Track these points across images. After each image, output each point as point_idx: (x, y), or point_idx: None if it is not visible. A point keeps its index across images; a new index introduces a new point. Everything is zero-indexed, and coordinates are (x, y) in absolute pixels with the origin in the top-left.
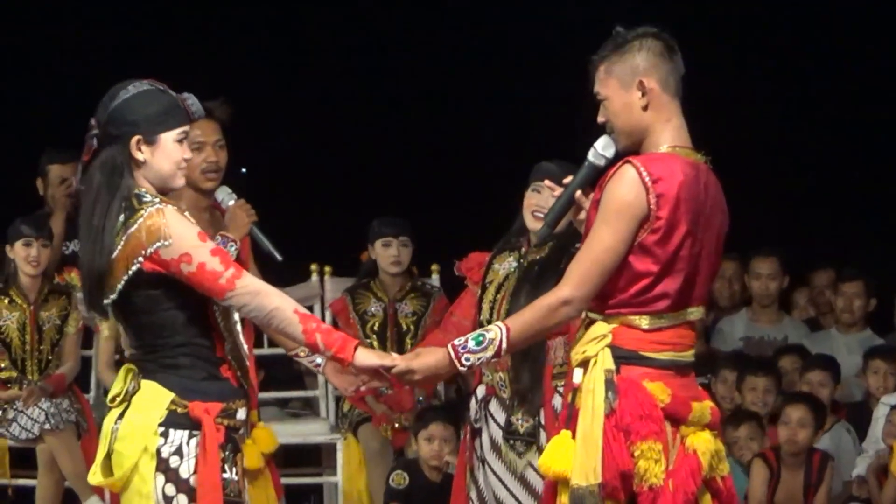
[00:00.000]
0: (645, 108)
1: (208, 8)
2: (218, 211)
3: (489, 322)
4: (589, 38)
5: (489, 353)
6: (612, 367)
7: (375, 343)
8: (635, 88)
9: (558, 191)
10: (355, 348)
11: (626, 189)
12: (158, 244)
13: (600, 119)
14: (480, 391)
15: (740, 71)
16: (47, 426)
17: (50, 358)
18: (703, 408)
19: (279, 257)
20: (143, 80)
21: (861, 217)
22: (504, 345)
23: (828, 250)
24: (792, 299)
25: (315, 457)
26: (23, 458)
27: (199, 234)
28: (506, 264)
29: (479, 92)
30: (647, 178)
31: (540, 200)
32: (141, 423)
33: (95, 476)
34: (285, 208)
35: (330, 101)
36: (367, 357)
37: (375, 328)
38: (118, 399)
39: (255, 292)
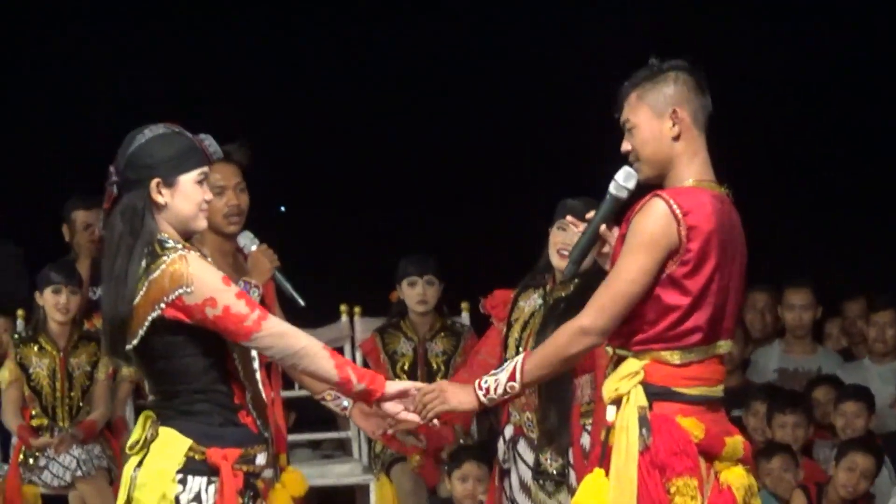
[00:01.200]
0: (675, 138)
1: (233, 53)
2: (241, 256)
3: None
4: (618, 73)
5: (504, 374)
6: (646, 403)
7: None
8: (668, 118)
9: (581, 226)
10: (385, 384)
11: (655, 222)
12: (181, 290)
13: (625, 147)
14: (508, 431)
15: (773, 100)
16: (79, 473)
17: (80, 405)
18: (736, 442)
19: (302, 302)
20: (158, 124)
21: (893, 246)
22: (519, 367)
23: (860, 280)
24: (825, 330)
25: (348, 498)
26: None
27: (223, 279)
28: (531, 301)
29: (510, 129)
30: (677, 211)
31: (566, 238)
32: (159, 470)
33: None
34: (314, 248)
35: (359, 140)
36: (396, 383)
37: (406, 368)
38: (137, 446)
39: (281, 334)
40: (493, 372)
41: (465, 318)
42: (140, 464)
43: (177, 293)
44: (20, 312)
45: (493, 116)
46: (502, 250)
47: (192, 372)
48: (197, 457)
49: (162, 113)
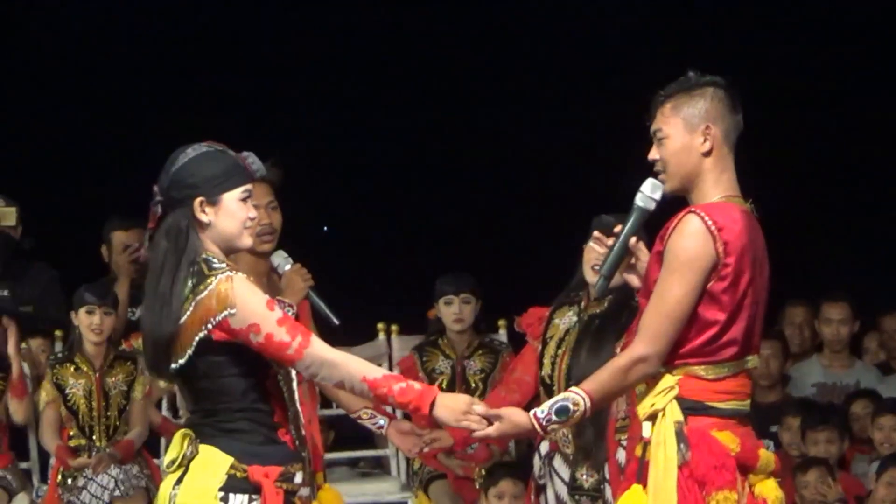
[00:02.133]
0: (706, 154)
1: (279, 71)
2: (275, 275)
3: (550, 378)
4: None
5: (571, 421)
6: (682, 418)
7: None
8: (700, 133)
9: (610, 241)
10: (433, 402)
11: (694, 240)
12: (226, 313)
13: (652, 155)
14: (544, 447)
15: (809, 113)
16: (117, 493)
17: (117, 424)
18: (769, 456)
19: (336, 321)
20: (201, 143)
21: None
22: (588, 413)
23: None
24: (863, 344)
25: None
26: None
27: (267, 303)
28: (566, 319)
29: (548, 147)
30: (712, 227)
31: (600, 255)
32: (201, 488)
33: None
34: (352, 267)
35: (395, 158)
36: (445, 413)
37: (444, 386)
38: (175, 464)
39: (322, 362)
40: (557, 420)
41: (502, 335)
42: (179, 481)
43: (223, 315)
44: (58, 333)
45: (532, 134)
46: (539, 268)
47: (234, 391)
48: (238, 474)
49: (202, 133)
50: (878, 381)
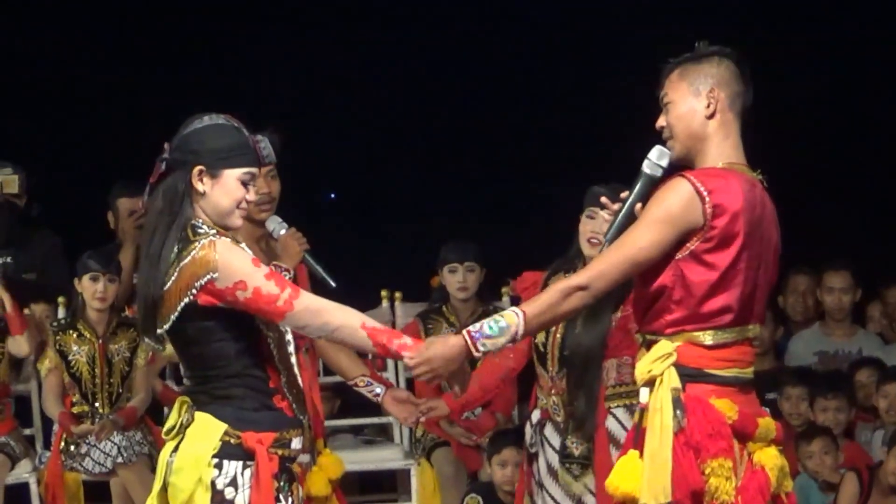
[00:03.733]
0: (710, 116)
1: (273, 40)
2: (272, 240)
3: (544, 346)
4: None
5: (505, 338)
6: (679, 385)
7: None
8: (704, 96)
9: (615, 206)
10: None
11: (676, 200)
12: (210, 276)
13: (660, 123)
14: (535, 416)
15: (814, 83)
16: (120, 460)
17: (120, 391)
18: (769, 424)
19: (333, 283)
20: (220, 115)
21: None
22: (521, 330)
23: None
24: (866, 313)
25: (390, 483)
26: (97, 492)
27: (252, 261)
28: None
29: (552, 115)
30: (702, 189)
31: (594, 226)
32: (195, 455)
33: None
34: (356, 234)
35: (400, 125)
36: (409, 356)
37: None
38: (173, 431)
39: (316, 311)
40: (489, 333)
41: (505, 302)
42: (176, 449)
43: (207, 278)
44: (61, 300)
45: (538, 101)
46: (544, 236)
47: (226, 356)
48: (232, 441)
49: (207, 99)
50: (880, 350)
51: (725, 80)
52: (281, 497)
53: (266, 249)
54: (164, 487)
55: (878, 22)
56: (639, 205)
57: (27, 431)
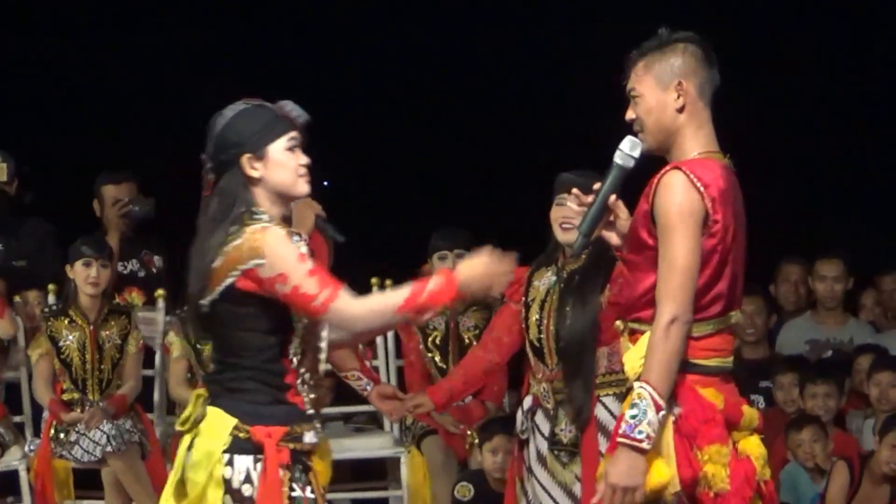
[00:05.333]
0: (679, 110)
1: (262, 22)
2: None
3: (539, 342)
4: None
5: (651, 413)
6: None
7: (437, 357)
8: (673, 89)
9: (589, 198)
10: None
11: (683, 194)
12: (255, 262)
13: (629, 115)
14: (527, 402)
15: (805, 72)
16: (109, 448)
17: (111, 378)
18: (752, 412)
19: (341, 238)
20: (237, 103)
21: None
22: (657, 397)
23: (894, 252)
24: (860, 302)
25: (380, 471)
26: (88, 480)
27: (299, 256)
28: (545, 280)
29: (538, 101)
30: (697, 183)
31: (565, 212)
32: (207, 450)
33: (169, 500)
34: (347, 222)
35: (391, 113)
36: (469, 278)
37: (437, 342)
38: (187, 424)
39: (348, 317)
40: (634, 422)
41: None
42: (191, 444)
43: (252, 263)
44: (51, 287)
45: (528, 87)
46: (536, 224)
47: (249, 347)
48: (242, 435)
49: (194, 89)
50: (871, 339)
51: (692, 69)
52: (295, 486)
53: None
54: (182, 482)
55: (868, 11)
56: (612, 196)
57: (17, 419)
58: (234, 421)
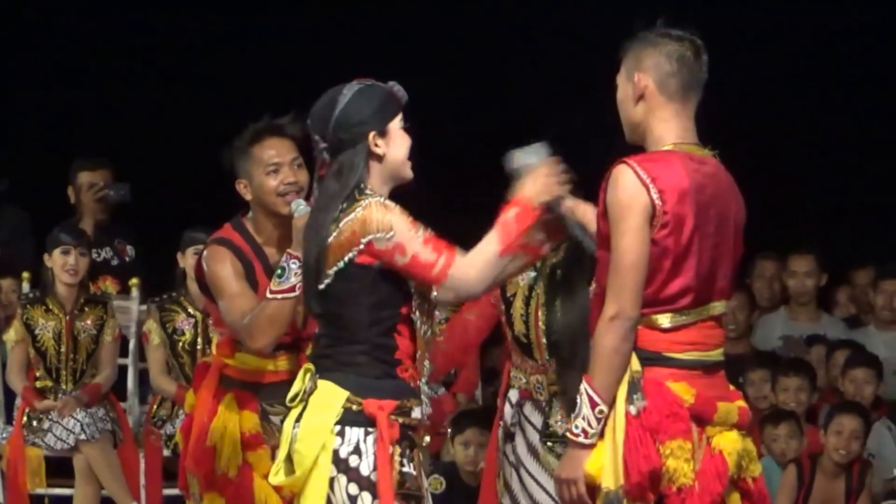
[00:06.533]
0: (637, 101)
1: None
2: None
3: (526, 336)
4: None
5: (585, 409)
6: (639, 368)
7: None
8: (633, 82)
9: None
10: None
11: (625, 189)
12: (372, 236)
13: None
14: (514, 395)
15: (781, 68)
16: (83, 437)
17: (85, 368)
18: (731, 408)
19: None
20: (351, 83)
21: None
22: (592, 394)
23: (868, 249)
24: (833, 298)
25: None
26: (59, 468)
27: (411, 223)
28: (524, 275)
29: (515, 93)
30: (643, 176)
31: None
32: (318, 423)
33: (277, 476)
34: None
35: None
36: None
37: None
38: (297, 399)
39: (464, 280)
40: (572, 415)
41: None
42: (299, 417)
43: (369, 237)
44: (25, 275)
45: (509, 75)
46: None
47: (361, 322)
48: (354, 408)
49: (173, 81)
50: (844, 335)
51: (654, 64)
52: (404, 461)
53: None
54: (289, 455)
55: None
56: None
57: None
58: (346, 393)
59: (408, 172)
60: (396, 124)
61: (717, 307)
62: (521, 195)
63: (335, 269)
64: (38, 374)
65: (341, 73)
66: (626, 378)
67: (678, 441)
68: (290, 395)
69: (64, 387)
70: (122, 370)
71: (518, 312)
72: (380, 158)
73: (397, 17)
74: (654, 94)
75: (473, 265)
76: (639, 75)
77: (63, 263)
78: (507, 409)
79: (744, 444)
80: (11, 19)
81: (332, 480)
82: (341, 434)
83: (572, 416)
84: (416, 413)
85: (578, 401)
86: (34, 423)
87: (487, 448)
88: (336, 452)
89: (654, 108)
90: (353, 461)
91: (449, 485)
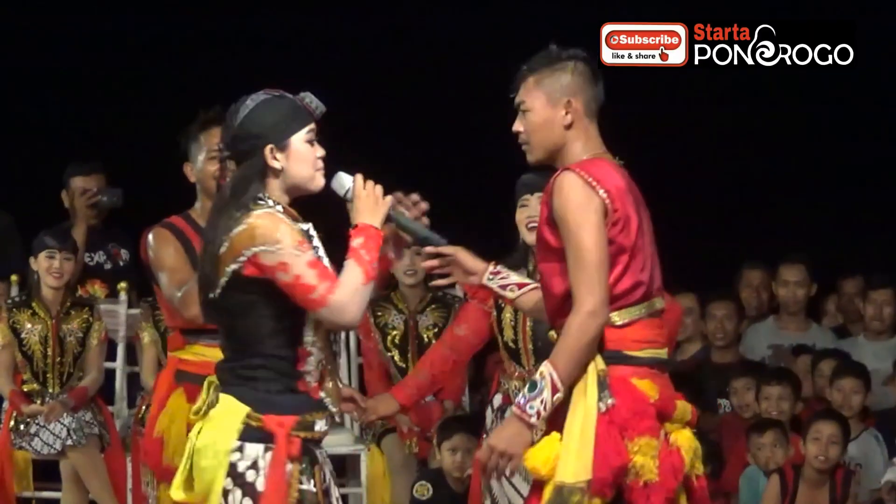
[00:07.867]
0: (567, 126)
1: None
2: None
3: (515, 343)
4: None
5: (546, 393)
6: (605, 367)
7: (397, 355)
8: (562, 107)
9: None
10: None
11: (576, 191)
12: (258, 248)
13: (516, 128)
14: (497, 400)
15: (767, 76)
16: (69, 442)
17: (71, 371)
18: (685, 406)
19: None
20: (258, 92)
21: (891, 225)
22: (556, 380)
23: (857, 258)
24: (822, 307)
25: (339, 468)
26: (47, 471)
27: (299, 243)
28: None
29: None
30: (589, 179)
31: (530, 213)
32: (217, 438)
33: (178, 491)
34: (312, 222)
35: (360, 113)
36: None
37: (397, 341)
38: (200, 413)
39: (343, 310)
40: (529, 394)
41: (457, 289)
42: (200, 431)
43: (254, 250)
44: (14, 278)
45: (492, 82)
46: (494, 220)
47: (259, 334)
48: (253, 423)
49: (167, 80)
50: (833, 345)
51: (580, 87)
52: (303, 479)
53: None
54: (191, 469)
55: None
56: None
57: None
58: (246, 409)
59: (315, 185)
60: (301, 137)
61: (658, 302)
62: (361, 221)
63: (224, 279)
64: (24, 378)
65: (340, 72)
66: (594, 376)
67: (646, 438)
68: (194, 408)
69: (51, 390)
70: (110, 374)
71: (508, 319)
72: (277, 173)
73: (393, 17)
74: (581, 117)
75: (348, 295)
76: (572, 100)
77: (48, 267)
78: (489, 415)
79: (695, 443)
80: (1, 23)
81: (226, 493)
82: (240, 450)
83: (528, 394)
84: (319, 426)
85: (539, 383)
86: (21, 426)
87: (474, 454)
88: (234, 466)
89: (580, 130)
90: (250, 476)
91: (436, 491)
